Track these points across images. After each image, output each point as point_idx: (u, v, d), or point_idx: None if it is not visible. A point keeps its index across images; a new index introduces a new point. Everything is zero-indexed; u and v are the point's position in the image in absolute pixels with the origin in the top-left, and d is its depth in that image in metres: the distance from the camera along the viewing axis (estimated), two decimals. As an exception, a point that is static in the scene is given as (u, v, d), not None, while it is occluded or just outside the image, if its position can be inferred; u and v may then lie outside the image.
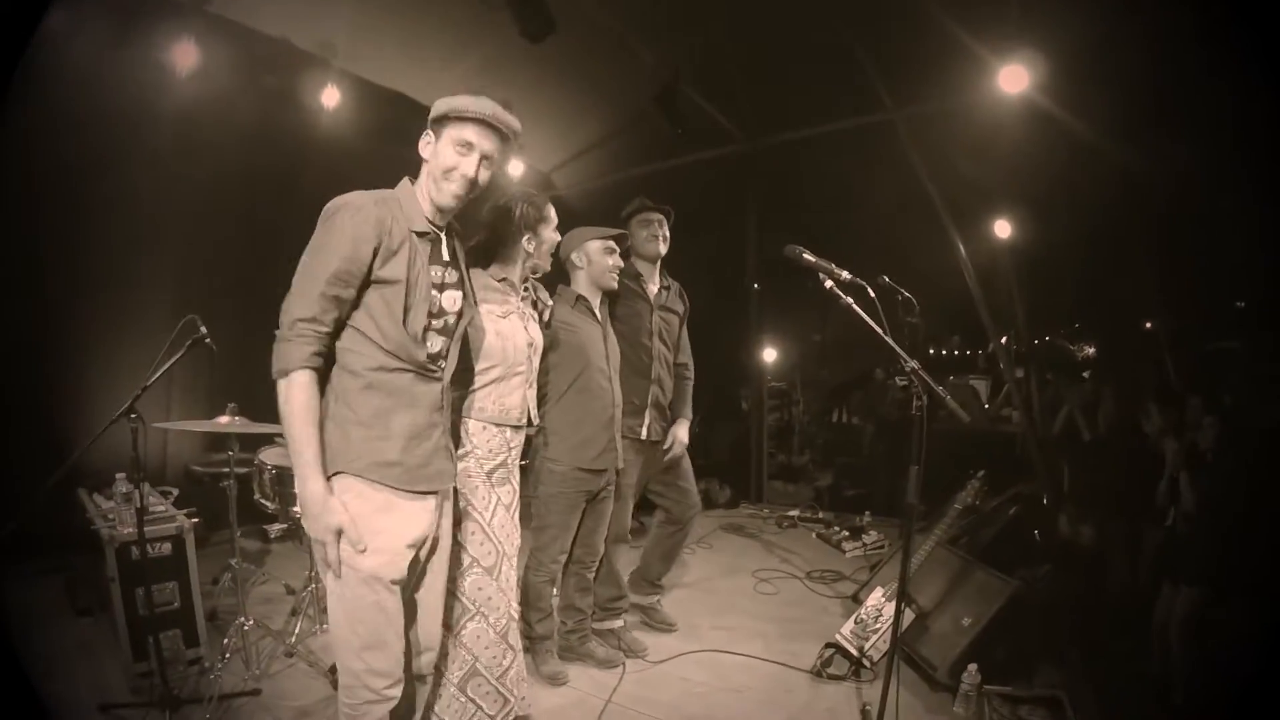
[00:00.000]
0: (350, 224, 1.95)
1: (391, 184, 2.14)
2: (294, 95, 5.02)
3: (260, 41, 4.84)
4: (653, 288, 3.74)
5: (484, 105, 2.11)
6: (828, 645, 3.42)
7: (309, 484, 1.93)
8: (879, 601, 3.41)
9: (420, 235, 2.09)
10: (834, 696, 3.20)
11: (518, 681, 2.78)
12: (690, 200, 3.95)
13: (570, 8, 4.66)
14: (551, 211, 2.85)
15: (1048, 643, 3.41)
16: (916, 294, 2.90)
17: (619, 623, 3.78)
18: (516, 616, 2.82)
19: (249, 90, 4.86)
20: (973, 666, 3.02)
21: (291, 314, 1.92)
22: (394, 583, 2.03)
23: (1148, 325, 5.23)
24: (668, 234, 3.73)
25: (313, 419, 1.93)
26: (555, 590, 3.50)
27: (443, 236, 2.19)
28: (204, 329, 2.88)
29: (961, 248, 5.05)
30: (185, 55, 4.48)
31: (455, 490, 2.48)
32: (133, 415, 2.78)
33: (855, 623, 3.41)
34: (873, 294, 2.53)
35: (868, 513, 5.66)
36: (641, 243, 3.71)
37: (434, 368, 2.15)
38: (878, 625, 3.33)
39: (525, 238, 2.76)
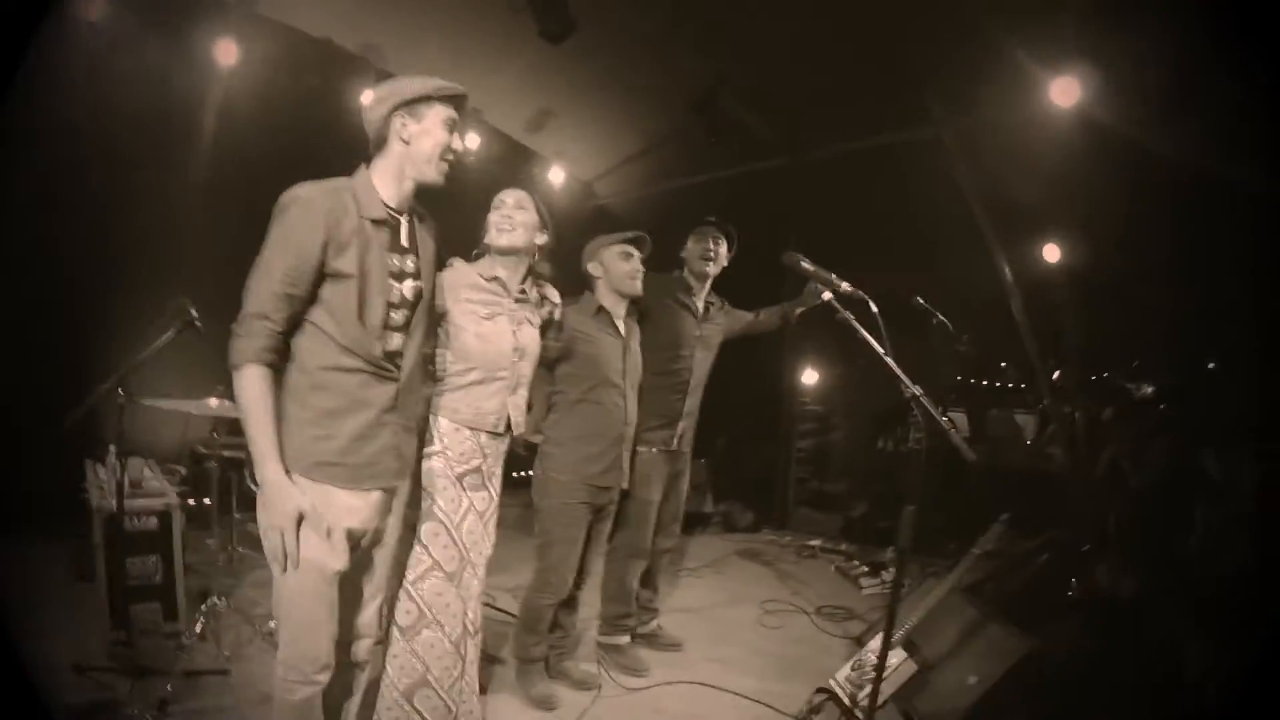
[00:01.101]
0: (298, 219, 1.93)
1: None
2: (333, 95, 5.08)
3: (303, 41, 4.95)
4: (699, 303, 3.67)
5: (453, 83, 2.14)
6: (819, 690, 3.15)
7: (266, 470, 1.94)
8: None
9: (377, 223, 2.04)
10: None
11: (467, 694, 2.66)
12: (730, 213, 3.84)
13: (611, 14, 4.57)
14: (504, 195, 2.68)
15: (1066, 712, 3.08)
16: (960, 319, 2.69)
17: (625, 639, 3.66)
18: (475, 629, 2.69)
19: (290, 88, 4.91)
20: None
21: (246, 309, 1.92)
22: (335, 573, 2.05)
23: (1210, 366, 4.81)
24: (724, 255, 3.67)
25: (266, 409, 1.93)
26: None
27: (403, 221, 2.13)
28: (194, 311, 2.82)
29: (1008, 271, 4.72)
30: (227, 52, 4.61)
31: (421, 488, 2.49)
32: (120, 391, 2.80)
33: (852, 668, 3.12)
34: (875, 309, 2.29)
35: (892, 549, 5.29)
36: (694, 259, 3.65)
37: (389, 367, 2.10)
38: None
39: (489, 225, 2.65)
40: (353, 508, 2.07)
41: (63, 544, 3.82)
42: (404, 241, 2.12)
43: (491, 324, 2.56)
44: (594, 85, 5.50)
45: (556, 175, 6.68)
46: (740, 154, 5.74)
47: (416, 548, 2.56)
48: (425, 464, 2.52)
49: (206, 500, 4.48)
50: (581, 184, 7.17)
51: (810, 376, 6.39)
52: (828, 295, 2.34)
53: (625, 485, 3.33)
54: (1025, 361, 5.13)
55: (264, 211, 1.95)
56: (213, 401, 3.54)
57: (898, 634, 2.98)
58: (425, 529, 2.54)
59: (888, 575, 4.84)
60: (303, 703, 2.09)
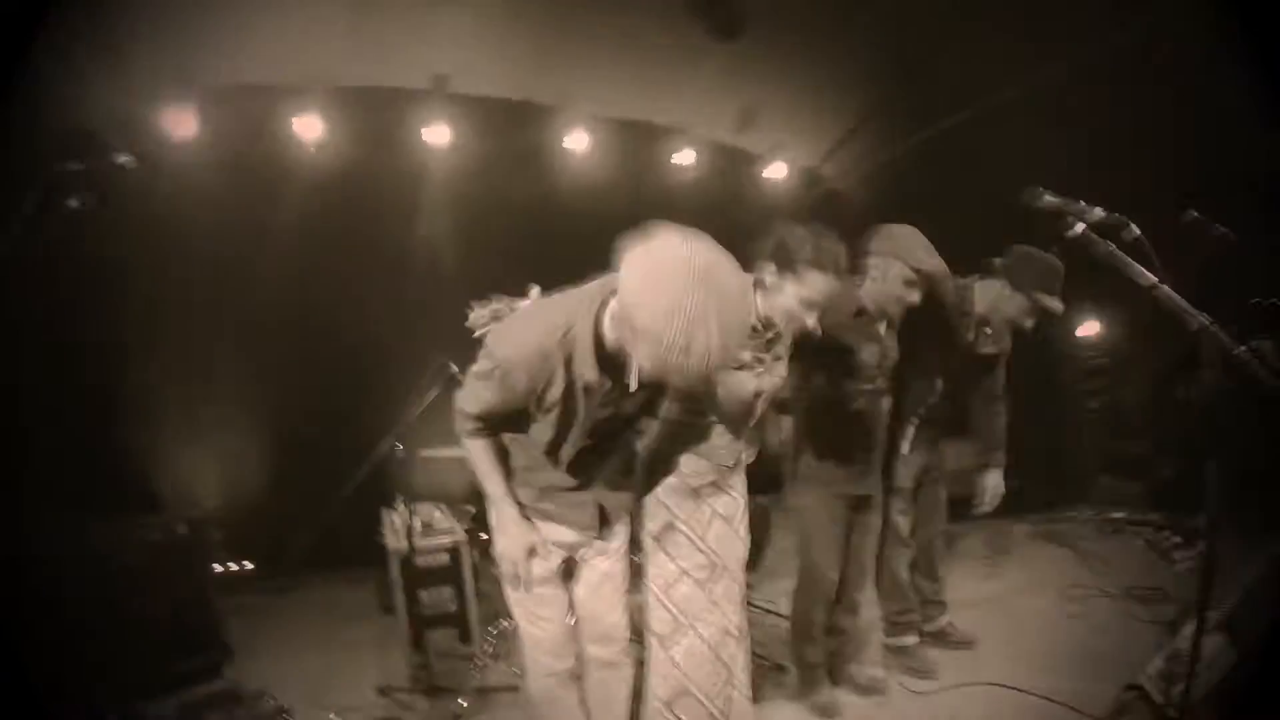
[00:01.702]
0: (504, 381, 1.93)
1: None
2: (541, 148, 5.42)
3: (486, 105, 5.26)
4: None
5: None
6: (1128, 688, 2.80)
7: (503, 511, 2.23)
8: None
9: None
10: None
11: (737, 700, 2.67)
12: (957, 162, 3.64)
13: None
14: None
15: None
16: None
17: (912, 638, 3.53)
18: (741, 633, 2.70)
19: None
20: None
21: (459, 405, 2.11)
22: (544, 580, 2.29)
23: None
24: None
25: (491, 460, 2.17)
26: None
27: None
28: (455, 368, 3.16)
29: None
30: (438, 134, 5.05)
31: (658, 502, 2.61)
32: (396, 445, 3.34)
33: (1165, 660, 2.75)
34: (1137, 233, 1.97)
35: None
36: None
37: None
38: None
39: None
40: (556, 531, 2.28)
41: (367, 585, 4.34)
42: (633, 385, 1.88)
43: (734, 375, 2.49)
44: (796, 66, 5.29)
45: (778, 170, 6.55)
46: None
47: (661, 556, 2.62)
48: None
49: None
50: (809, 172, 6.98)
51: (1089, 328, 5.72)
52: (1080, 227, 2.04)
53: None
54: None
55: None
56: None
57: (1214, 616, 2.59)
58: (668, 539, 2.59)
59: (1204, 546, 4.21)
60: (543, 689, 2.41)
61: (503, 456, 2.19)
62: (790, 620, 3.25)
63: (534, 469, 2.19)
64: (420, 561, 3.59)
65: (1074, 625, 3.73)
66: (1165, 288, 1.84)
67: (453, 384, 3.17)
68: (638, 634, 2.63)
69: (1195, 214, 3.06)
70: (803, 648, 3.20)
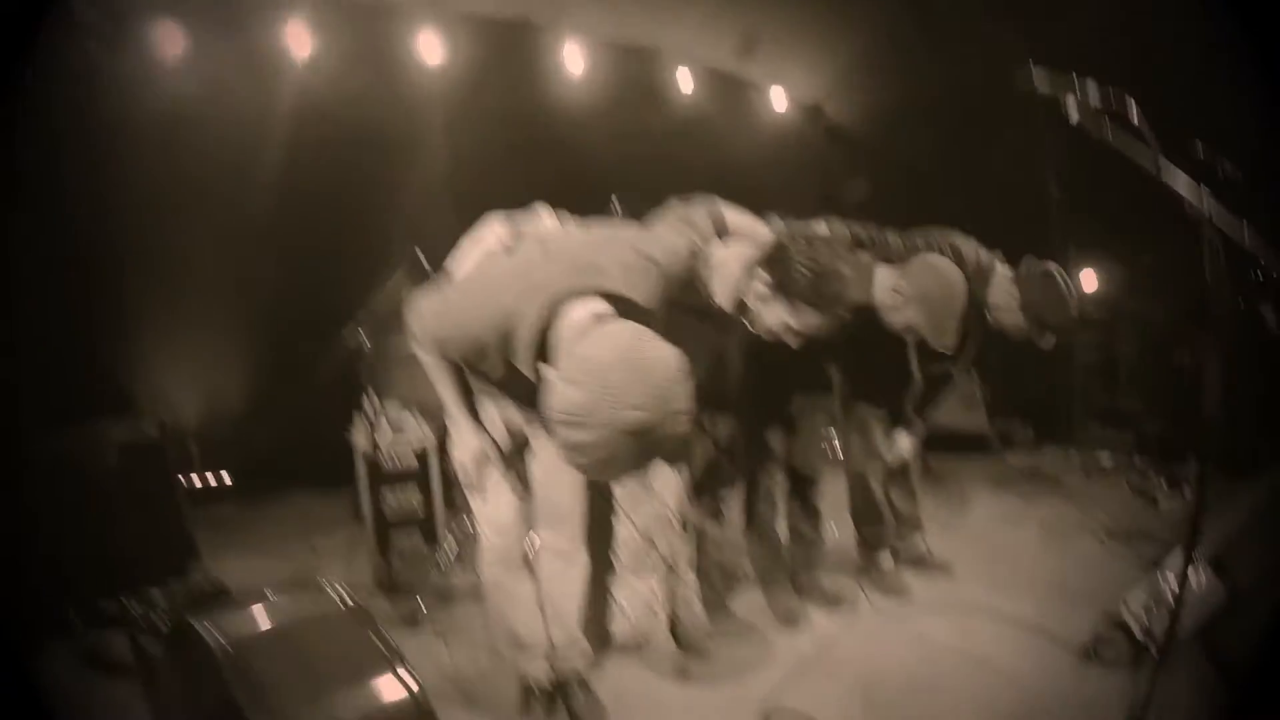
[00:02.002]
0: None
1: None
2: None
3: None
4: None
5: None
6: (1107, 618, 2.81)
7: (456, 420, 2.28)
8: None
9: None
10: (1098, 686, 2.55)
11: (687, 612, 2.81)
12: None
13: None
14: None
15: None
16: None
17: (885, 558, 3.51)
18: (683, 527, 2.79)
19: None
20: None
21: (409, 322, 2.12)
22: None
23: None
24: None
25: (444, 370, 2.17)
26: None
27: None
28: (422, 254, 3.12)
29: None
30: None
31: None
32: (362, 336, 3.28)
33: (1147, 594, 2.74)
34: (1137, 114, 1.81)
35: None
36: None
37: None
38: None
39: None
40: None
41: (343, 494, 4.23)
42: None
43: None
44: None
45: (779, 101, 6.31)
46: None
47: None
48: None
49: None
50: (808, 110, 6.73)
51: (1089, 280, 5.60)
52: (1075, 110, 1.88)
53: None
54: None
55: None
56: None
57: (1202, 551, 2.56)
58: None
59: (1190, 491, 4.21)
60: (493, 578, 2.43)
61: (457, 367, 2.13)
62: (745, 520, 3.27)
63: None
64: (387, 464, 3.56)
65: (1053, 556, 3.69)
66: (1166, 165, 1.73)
67: (418, 271, 3.09)
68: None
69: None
70: (760, 554, 3.22)
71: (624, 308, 1.74)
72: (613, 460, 1.43)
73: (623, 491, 2.64)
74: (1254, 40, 2.50)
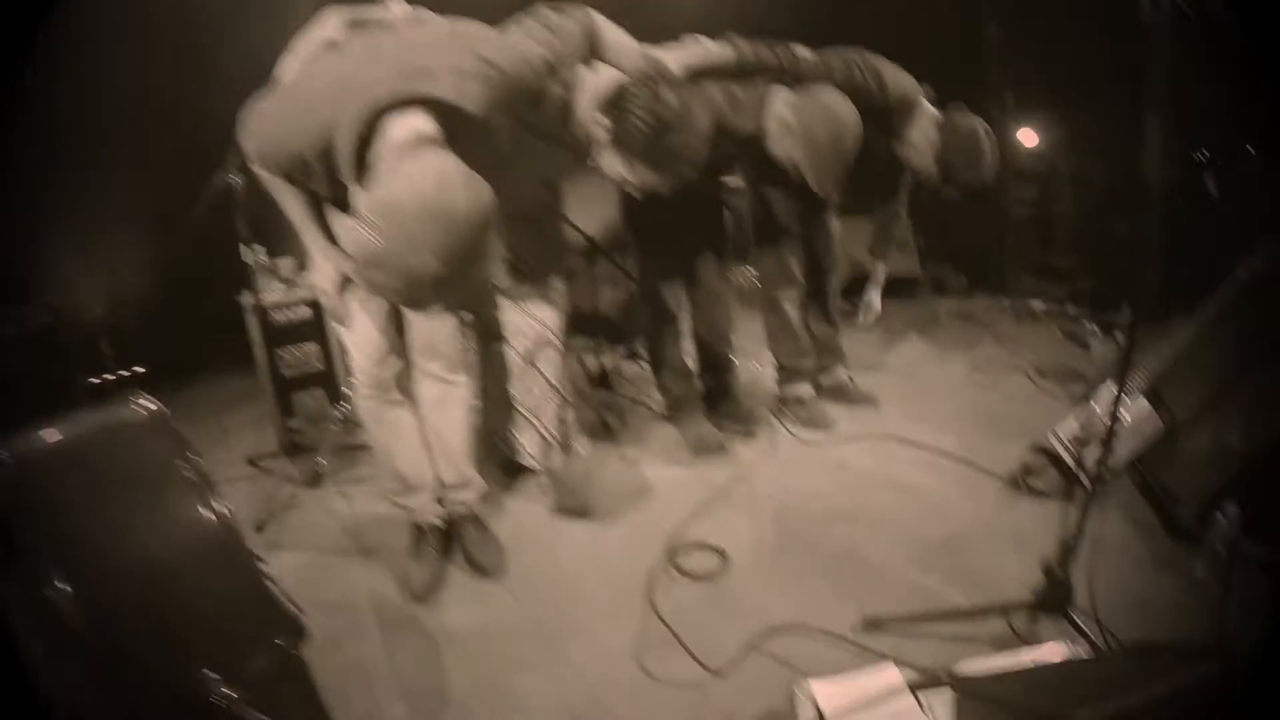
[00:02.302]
0: None
1: None
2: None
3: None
4: None
5: None
6: (1036, 449, 2.71)
7: (309, 240, 2.09)
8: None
9: None
10: (1029, 517, 2.54)
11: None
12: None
13: None
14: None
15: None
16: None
17: (806, 389, 3.38)
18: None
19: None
20: (1232, 509, 2.00)
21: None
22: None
23: None
24: None
25: (290, 191, 2.01)
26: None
27: None
28: None
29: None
30: None
31: None
32: (233, 176, 2.76)
33: (1079, 424, 2.64)
34: None
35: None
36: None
37: None
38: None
39: None
40: None
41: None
42: None
43: None
44: None
45: None
46: None
47: None
48: None
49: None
50: None
51: (1029, 136, 5.32)
52: None
53: None
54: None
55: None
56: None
57: (1137, 381, 2.45)
58: None
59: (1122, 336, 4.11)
60: (369, 410, 2.31)
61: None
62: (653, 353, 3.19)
63: None
64: (278, 317, 3.28)
65: (981, 392, 3.64)
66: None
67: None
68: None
69: None
70: (667, 382, 3.15)
71: (452, 118, 1.64)
72: (415, 300, 1.47)
73: (505, 318, 2.55)
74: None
